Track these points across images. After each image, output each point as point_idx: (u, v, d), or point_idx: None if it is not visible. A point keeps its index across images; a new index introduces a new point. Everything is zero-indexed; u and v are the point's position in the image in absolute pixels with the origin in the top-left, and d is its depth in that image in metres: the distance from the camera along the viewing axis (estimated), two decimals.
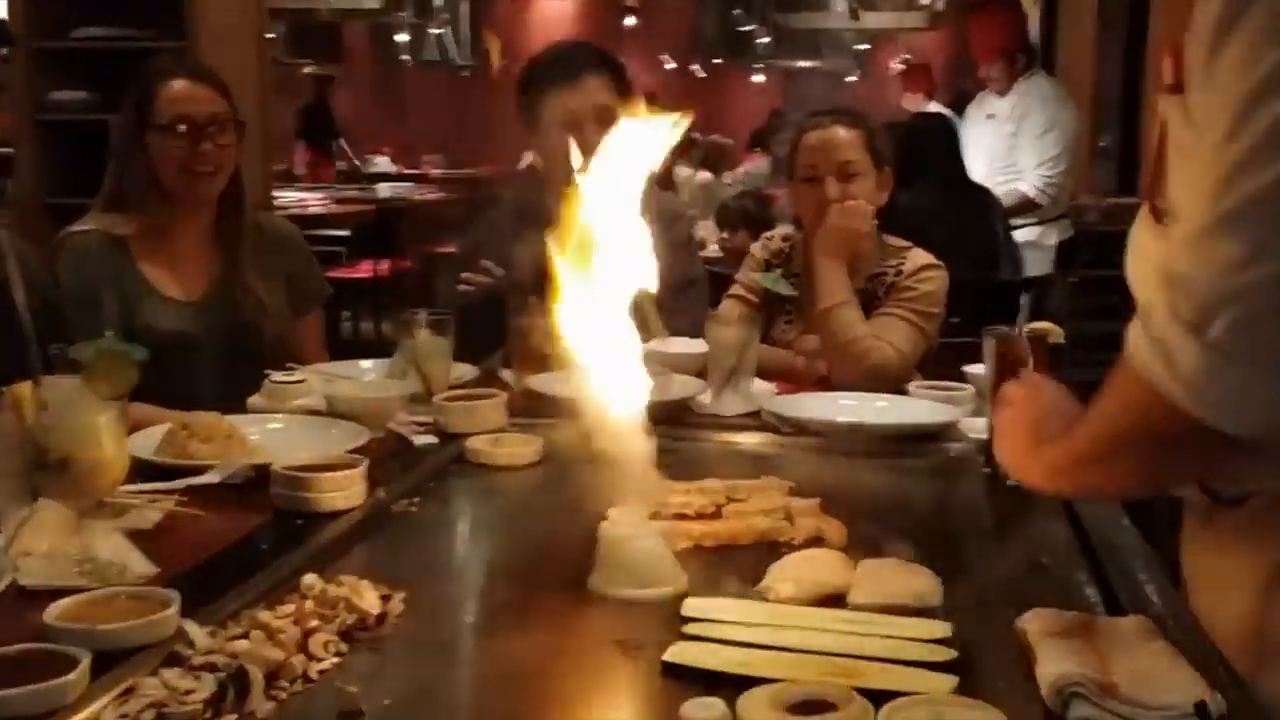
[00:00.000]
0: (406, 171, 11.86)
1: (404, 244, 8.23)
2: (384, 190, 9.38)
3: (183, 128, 2.38)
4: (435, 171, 11.75)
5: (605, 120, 2.60)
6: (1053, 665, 1.11)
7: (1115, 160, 6.77)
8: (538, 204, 2.74)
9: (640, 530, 1.43)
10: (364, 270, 7.67)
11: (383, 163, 12.04)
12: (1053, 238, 5.04)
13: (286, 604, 1.28)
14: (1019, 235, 4.60)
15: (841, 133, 2.44)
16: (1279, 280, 0.99)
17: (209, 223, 2.51)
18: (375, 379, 2.25)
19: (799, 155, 2.49)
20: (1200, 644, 1.20)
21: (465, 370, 2.36)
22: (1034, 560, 1.47)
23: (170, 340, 2.36)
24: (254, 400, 2.11)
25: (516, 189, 2.99)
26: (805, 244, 2.50)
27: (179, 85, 2.41)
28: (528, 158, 7.49)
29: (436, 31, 12.07)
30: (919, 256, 2.47)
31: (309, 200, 8.27)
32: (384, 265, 7.73)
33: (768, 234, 2.69)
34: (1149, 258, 1.22)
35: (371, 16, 11.35)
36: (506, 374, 2.38)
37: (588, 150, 2.57)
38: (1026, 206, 4.88)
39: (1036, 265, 4.78)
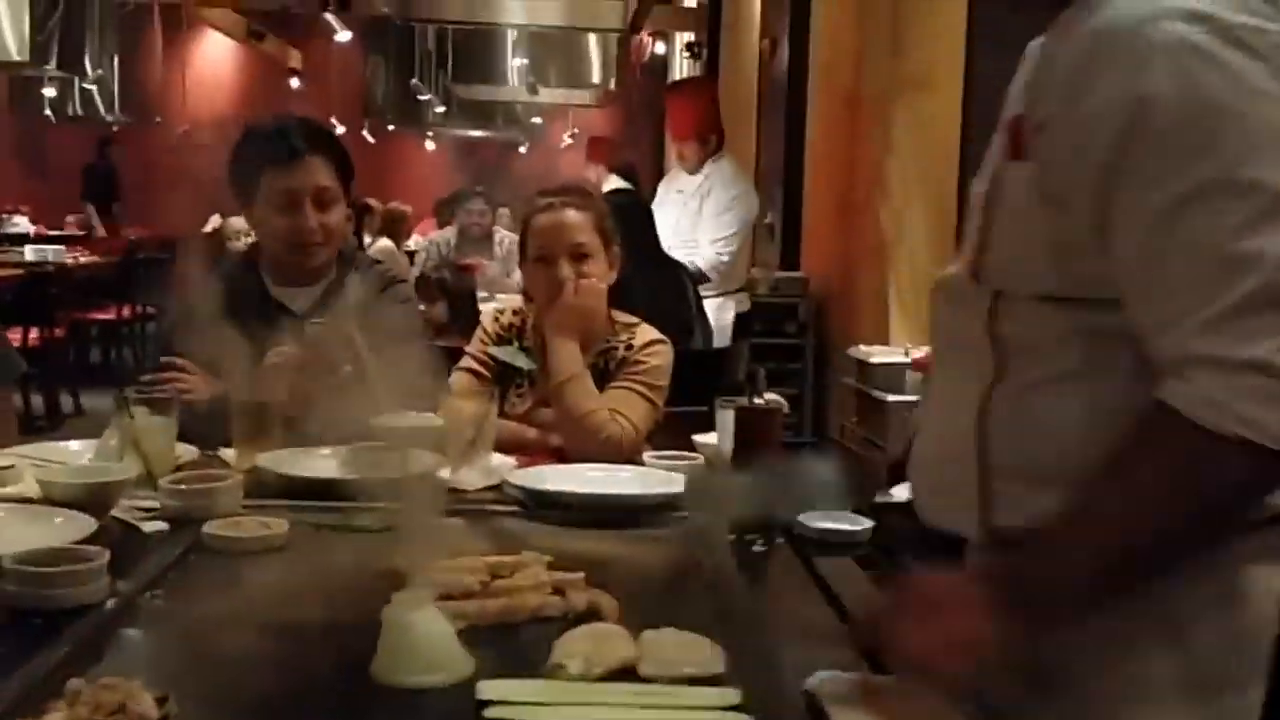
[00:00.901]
0: (49, 232, 11.13)
1: (54, 311, 7.68)
2: (30, 253, 8.76)
3: None
4: (82, 232, 11.07)
5: (325, 201, 2.57)
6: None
7: (778, 237, 7.22)
8: (249, 278, 2.66)
9: (427, 613, 1.40)
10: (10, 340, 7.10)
11: (21, 222, 11.25)
12: (732, 309, 5.32)
13: (52, 713, 1.18)
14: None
15: (572, 214, 2.51)
16: None
17: None
18: (92, 462, 2.10)
19: (530, 236, 2.55)
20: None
21: (184, 450, 2.24)
22: (800, 621, 1.55)
23: None
24: None
25: (226, 264, 2.88)
26: (538, 321, 2.54)
27: None
28: (214, 221, 7.18)
29: (89, 87, 11.41)
30: (646, 332, 2.56)
31: None
32: (33, 334, 7.18)
33: (498, 308, 2.71)
34: (964, 316, 1.37)
35: (13, 69, 10.61)
36: (229, 453, 2.28)
37: (306, 232, 2.55)
38: (698, 279, 5.13)
39: (719, 336, 5.03)
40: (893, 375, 4.76)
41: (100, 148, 10.46)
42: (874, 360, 4.87)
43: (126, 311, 9.01)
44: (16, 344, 7.02)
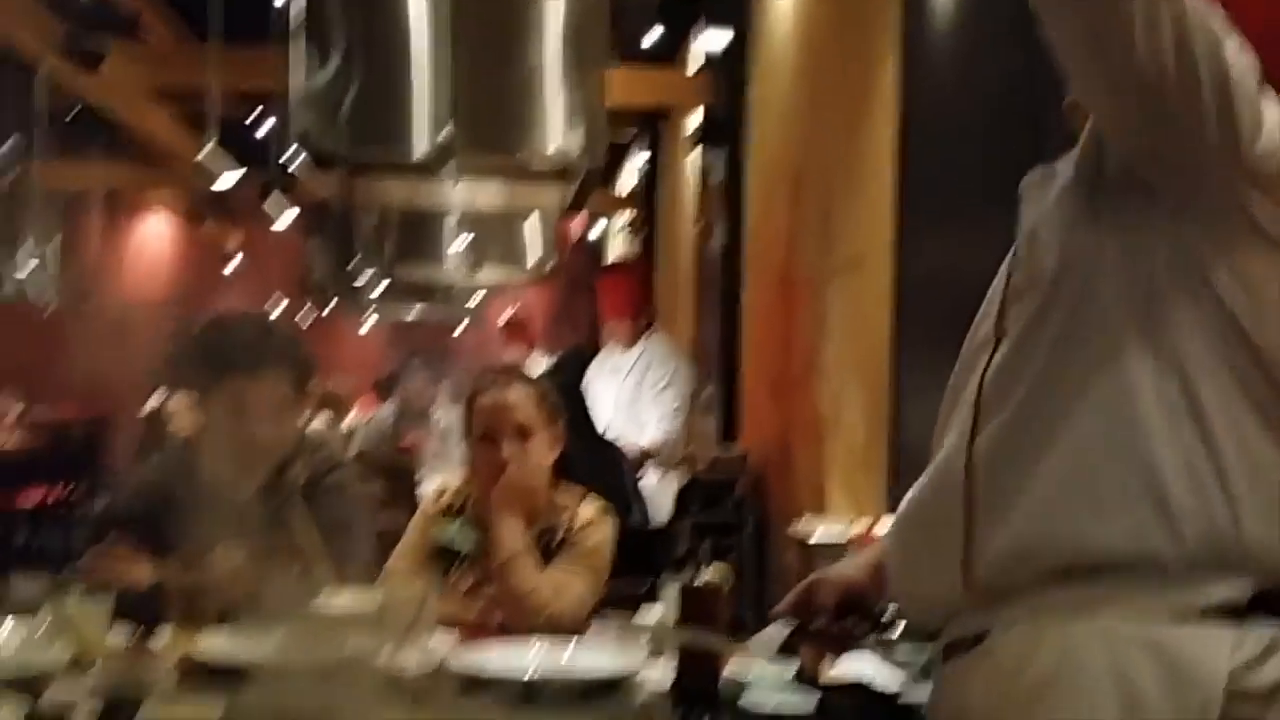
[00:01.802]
0: None
1: None
2: None
3: None
4: (13, 414, 10.91)
5: (281, 412, 2.54)
6: None
7: (718, 411, 7.28)
8: (190, 462, 2.63)
9: None
10: None
11: None
12: (672, 486, 5.34)
13: None
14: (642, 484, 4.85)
15: (515, 393, 2.54)
16: None
17: None
18: (23, 646, 2.05)
19: (474, 415, 2.57)
20: None
21: (119, 632, 2.19)
22: None
23: None
24: None
25: (168, 444, 2.86)
26: (481, 500, 2.55)
27: None
28: (157, 398, 7.11)
29: (22, 275, 11.41)
30: (589, 508, 2.57)
31: None
32: None
33: (439, 487, 2.71)
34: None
35: None
36: (165, 637, 2.24)
37: (256, 444, 2.51)
38: (647, 458, 5.17)
39: (660, 512, 5.03)
40: (832, 553, 4.77)
41: None
42: (814, 541, 4.89)
43: (57, 494, 8.84)
44: None
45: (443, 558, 2.56)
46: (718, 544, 5.82)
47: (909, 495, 1.53)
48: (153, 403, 7.80)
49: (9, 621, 2.18)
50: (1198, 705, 1.22)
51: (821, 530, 4.31)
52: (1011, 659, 1.32)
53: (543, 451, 2.54)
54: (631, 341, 5.37)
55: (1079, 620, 1.28)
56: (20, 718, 1.71)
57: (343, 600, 2.35)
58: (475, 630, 2.41)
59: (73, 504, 8.89)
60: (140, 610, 2.27)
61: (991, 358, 1.40)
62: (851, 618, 1.69)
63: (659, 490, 5.20)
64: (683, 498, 5.41)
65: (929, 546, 1.45)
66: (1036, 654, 1.29)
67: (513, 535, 2.42)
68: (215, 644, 2.13)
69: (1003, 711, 1.31)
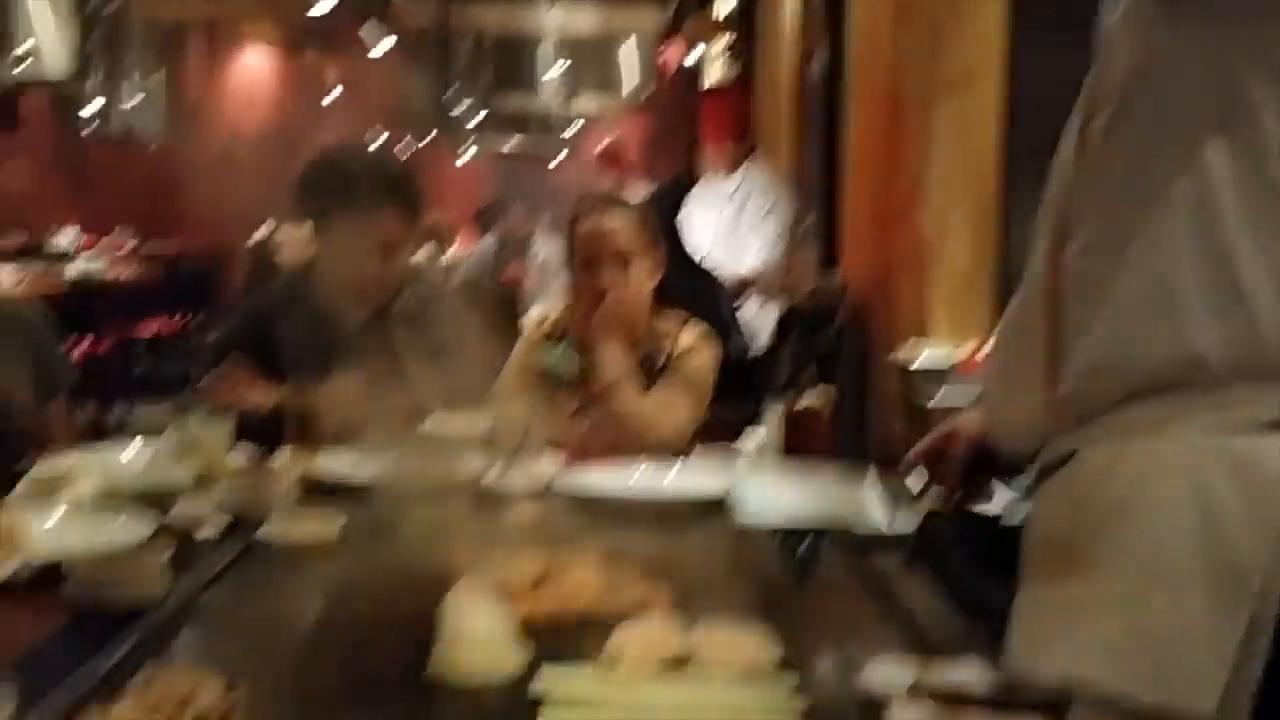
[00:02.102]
0: (96, 246, 11.25)
1: (100, 325, 7.78)
2: (74, 269, 8.87)
3: None
4: (128, 248, 11.19)
5: (393, 249, 2.57)
6: (906, 714, 1.19)
7: (818, 239, 7.20)
8: (303, 289, 2.68)
9: (484, 609, 1.43)
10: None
11: (67, 239, 11.39)
12: (771, 315, 5.32)
13: (121, 703, 1.22)
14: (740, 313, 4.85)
15: (613, 219, 2.53)
16: None
17: None
18: (151, 465, 2.14)
19: (573, 242, 2.57)
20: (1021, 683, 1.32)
21: (239, 453, 2.28)
22: (851, 615, 1.56)
23: None
24: (17, 494, 1.97)
25: (282, 274, 2.92)
26: (583, 325, 2.57)
27: None
28: (269, 225, 7.22)
29: (130, 105, 11.55)
30: (690, 332, 2.58)
31: None
32: (81, 348, 7.28)
33: (541, 313, 2.74)
34: None
35: (57, 88, 10.74)
36: (283, 457, 2.32)
37: (369, 278, 2.55)
38: (746, 286, 5.14)
39: (759, 341, 5.03)
40: (934, 379, 4.74)
41: None
42: (915, 366, 4.86)
43: (173, 325, 9.12)
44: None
45: (546, 383, 2.60)
46: (818, 372, 5.82)
47: (1002, 318, 1.52)
48: (260, 234, 7.94)
49: (137, 442, 2.28)
50: (1276, 517, 1.21)
51: (925, 355, 4.28)
52: (1094, 475, 1.31)
53: (642, 277, 2.54)
54: (731, 169, 5.29)
55: (1159, 436, 1.27)
56: (152, 529, 1.79)
57: (451, 424, 2.42)
58: (579, 453, 2.46)
59: (189, 334, 9.17)
60: (260, 432, 2.36)
61: (1074, 170, 1.37)
62: (983, 472, 1.68)
63: (758, 319, 5.19)
64: (782, 326, 5.39)
65: (1017, 367, 1.44)
66: (1117, 470, 1.29)
67: (615, 360, 2.45)
68: (332, 464, 2.20)
69: (1086, 528, 1.31)
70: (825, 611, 1.58)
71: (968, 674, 1.28)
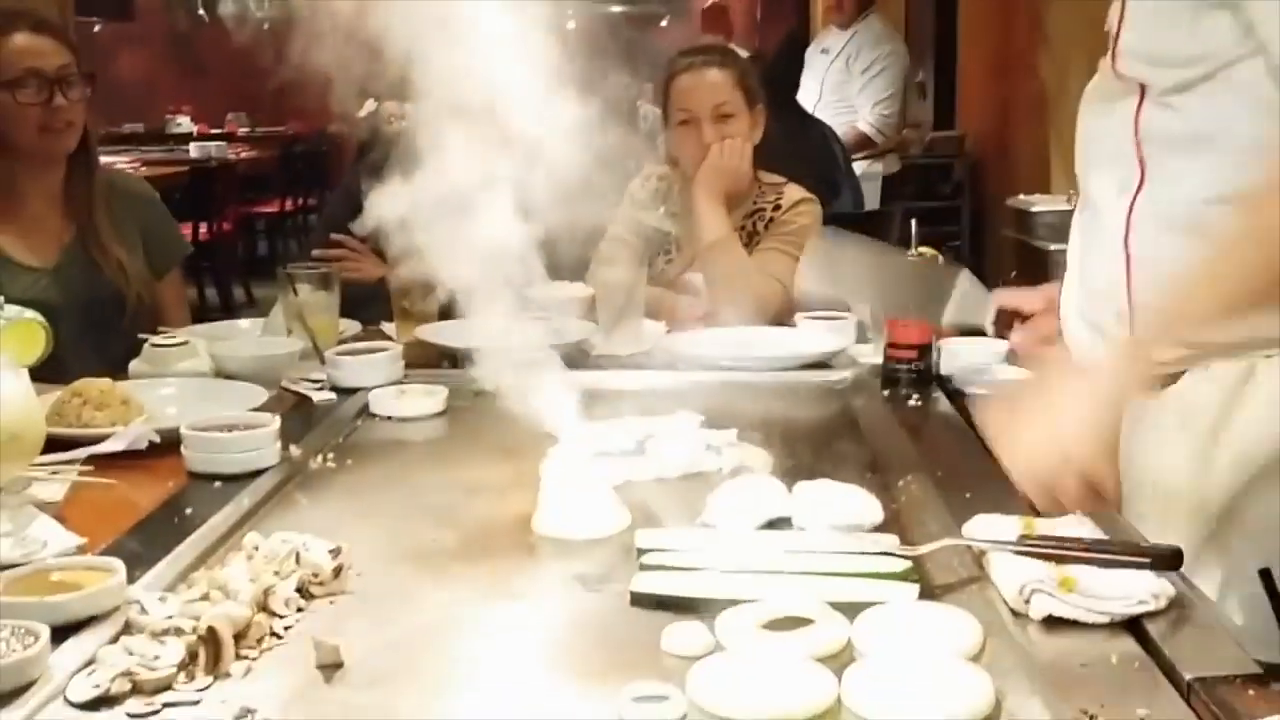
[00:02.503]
0: (210, 131, 11.43)
1: (221, 206, 7.93)
2: (194, 151, 9.03)
3: (33, 83, 2.25)
4: (243, 130, 11.35)
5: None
6: (1009, 568, 1.16)
7: (931, 96, 6.99)
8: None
9: (585, 469, 1.43)
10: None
11: (184, 122, 11.58)
12: (881, 171, 5.19)
13: (232, 564, 1.25)
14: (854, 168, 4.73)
15: (714, 74, 2.46)
16: None
17: (59, 184, 2.38)
18: (261, 337, 2.18)
19: (672, 98, 2.51)
20: (1129, 535, 1.28)
21: (347, 325, 2.31)
22: (950, 465, 1.53)
23: (29, 310, 2.23)
24: (136, 366, 2.03)
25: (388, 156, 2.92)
26: (684, 184, 2.52)
27: (23, 38, 2.27)
28: (369, 105, 7.25)
29: None
30: (794, 192, 2.52)
31: (113, 164, 7.89)
32: (202, 229, 7.44)
33: (644, 174, 2.69)
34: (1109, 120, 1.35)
35: None
36: (390, 327, 2.35)
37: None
38: (863, 143, 5.02)
39: (868, 198, 4.92)
40: (1055, 223, 4.60)
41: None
42: (1035, 209, 4.72)
43: (289, 204, 9.26)
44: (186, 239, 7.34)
45: (649, 245, 2.57)
46: (931, 228, 5.68)
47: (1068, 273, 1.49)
48: (366, 109, 7.95)
49: (248, 320, 2.33)
50: None
51: (1043, 201, 4.15)
52: None
53: (744, 132, 2.47)
54: (846, 23, 5.13)
55: None
56: (264, 398, 1.83)
57: (554, 290, 2.41)
58: (683, 315, 2.44)
59: (306, 213, 9.31)
60: (368, 303, 2.39)
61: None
62: None
63: (871, 174, 5.07)
64: (896, 182, 5.27)
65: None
66: None
67: (717, 220, 2.41)
68: (437, 332, 2.22)
69: None
70: (934, 464, 1.54)
71: (1075, 529, 1.24)
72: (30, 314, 1.30)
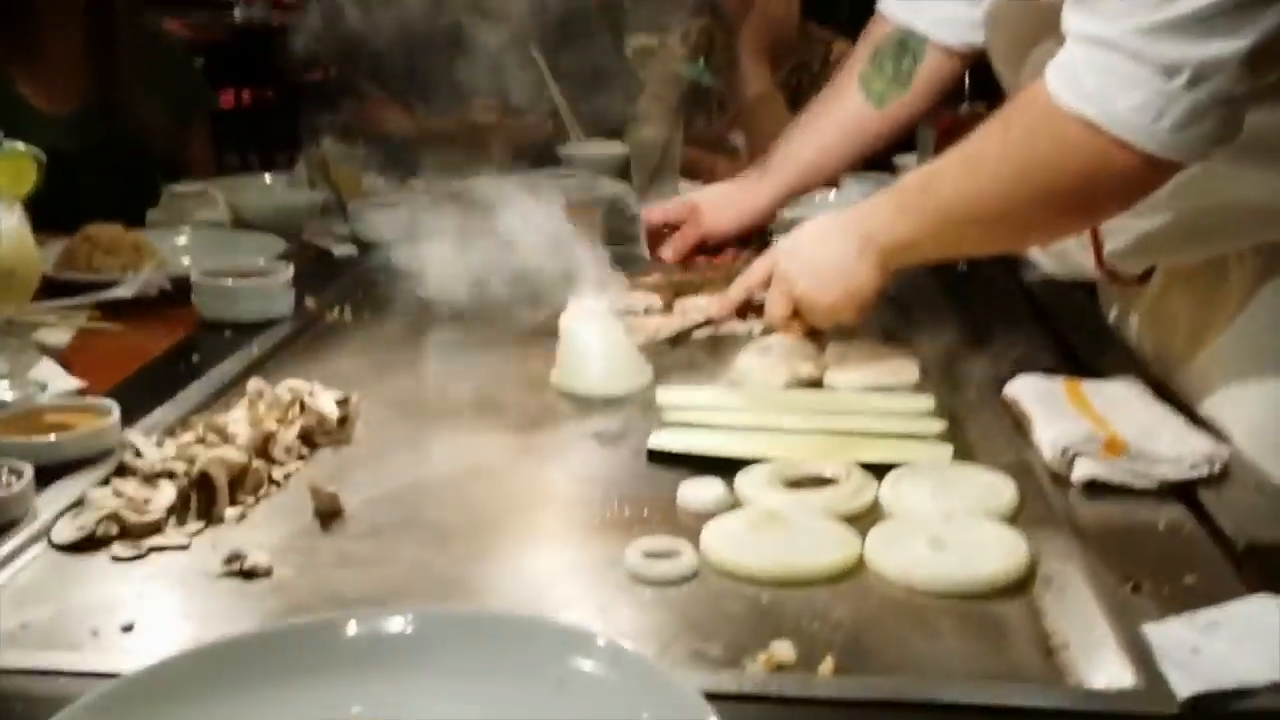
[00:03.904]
0: None
1: (266, 71, 7.82)
2: (238, 13, 8.89)
3: None
4: None
5: None
6: (1051, 427, 1.08)
7: None
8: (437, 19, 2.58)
9: (603, 322, 1.36)
10: (224, 101, 7.27)
11: None
12: None
13: (235, 410, 1.20)
14: None
15: None
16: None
17: (79, 30, 2.30)
18: (284, 189, 2.12)
19: None
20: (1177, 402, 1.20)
21: (374, 180, 2.24)
22: (994, 329, 1.44)
23: (48, 157, 2.18)
24: (153, 214, 1.97)
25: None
26: (726, 37, 2.41)
27: None
28: None
29: None
30: (842, 44, 2.39)
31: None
32: (245, 94, 7.34)
33: (683, 29, 2.57)
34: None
35: None
36: (417, 182, 2.27)
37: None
38: None
39: None
40: None
41: None
42: None
43: (333, 71, 9.13)
44: (230, 105, 7.23)
45: (689, 100, 2.46)
46: (974, 86, 5.48)
47: None
48: None
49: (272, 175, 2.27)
50: None
51: None
52: None
53: None
54: None
55: None
56: (280, 249, 1.78)
57: (591, 147, 2.33)
58: (721, 174, 2.34)
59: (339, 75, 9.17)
60: (396, 157, 2.31)
61: None
62: None
63: None
64: None
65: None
66: None
67: (759, 76, 2.30)
68: (466, 189, 2.14)
69: None
70: (976, 327, 1.46)
71: (1124, 391, 1.16)
72: (22, 146, 1.24)
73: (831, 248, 1.26)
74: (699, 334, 1.42)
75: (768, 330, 1.43)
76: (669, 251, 1.67)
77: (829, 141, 1.64)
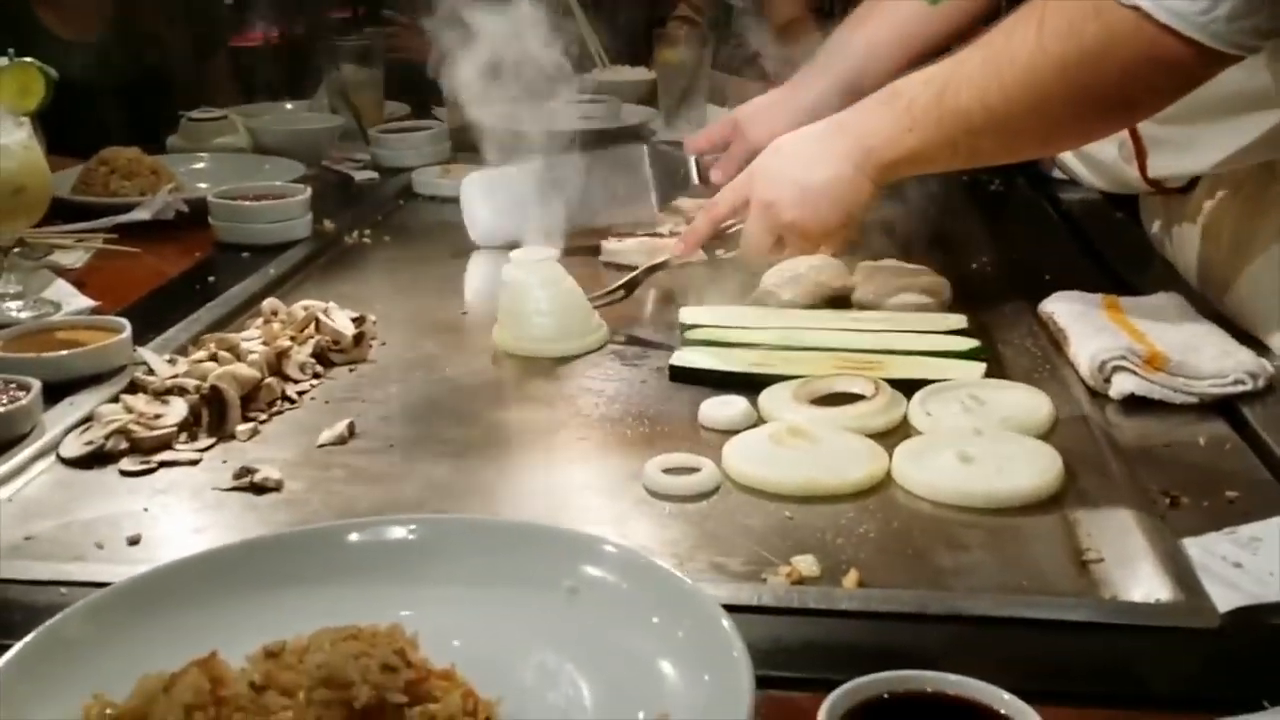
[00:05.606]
0: None
1: (297, 7, 7.77)
2: None
3: None
4: None
5: None
6: (1089, 342, 1.04)
7: None
8: None
9: (551, 272, 1.21)
10: (253, 38, 7.22)
11: None
12: None
13: (249, 329, 1.18)
14: None
15: None
16: None
17: None
18: (304, 114, 2.08)
19: None
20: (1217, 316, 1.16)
21: (396, 107, 2.20)
22: (1029, 248, 1.40)
23: (68, 85, 2.15)
24: (173, 140, 1.94)
25: None
26: None
27: None
28: None
29: None
30: None
31: None
32: (273, 31, 7.29)
33: None
34: None
35: None
36: (441, 111, 2.23)
37: None
38: None
39: None
40: None
41: None
42: None
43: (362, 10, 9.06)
44: (258, 41, 7.19)
45: (716, 26, 2.40)
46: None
47: None
48: None
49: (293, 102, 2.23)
50: None
51: None
52: None
53: None
54: None
55: None
56: (299, 173, 1.74)
57: (617, 71, 2.29)
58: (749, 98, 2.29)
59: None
60: (416, 81, 2.27)
61: None
62: None
63: None
64: None
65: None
66: None
67: None
68: (485, 115, 2.10)
69: None
70: (1011, 247, 1.42)
71: (1162, 304, 1.12)
72: (29, 59, 1.21)
73: (821, 169, 1.16)
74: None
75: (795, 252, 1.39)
76: (718, 174, 1.58)
77: (879, 38, 1.51)
